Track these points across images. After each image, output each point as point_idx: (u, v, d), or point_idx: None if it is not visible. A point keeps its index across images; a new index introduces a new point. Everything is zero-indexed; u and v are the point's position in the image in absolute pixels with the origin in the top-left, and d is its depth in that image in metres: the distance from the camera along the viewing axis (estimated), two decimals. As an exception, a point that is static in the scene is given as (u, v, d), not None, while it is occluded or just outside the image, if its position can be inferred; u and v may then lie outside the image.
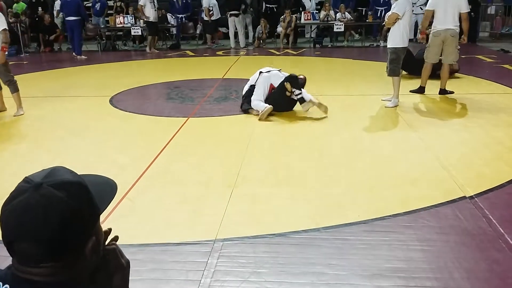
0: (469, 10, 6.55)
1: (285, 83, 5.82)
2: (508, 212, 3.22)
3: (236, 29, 13.64)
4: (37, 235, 0.89)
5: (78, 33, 12.19)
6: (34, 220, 0.89)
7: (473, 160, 4.25)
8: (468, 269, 2.54)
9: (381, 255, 2.70)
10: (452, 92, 6.75)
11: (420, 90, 6.90)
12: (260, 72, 6.20)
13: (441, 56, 6.68)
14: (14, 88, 6.06)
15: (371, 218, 3.14)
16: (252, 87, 6.15)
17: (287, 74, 6.11)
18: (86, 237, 0.96)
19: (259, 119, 5.71)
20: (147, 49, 13.07)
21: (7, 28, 5.92)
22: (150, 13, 12.63)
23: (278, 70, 6.24)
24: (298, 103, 5.88)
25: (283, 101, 5.95)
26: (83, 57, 12.04)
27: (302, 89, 5.87)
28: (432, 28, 6.63)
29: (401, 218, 3.14)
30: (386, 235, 2.92)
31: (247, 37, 14.59)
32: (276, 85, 6.03)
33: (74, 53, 12.23)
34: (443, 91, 6.78)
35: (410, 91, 6.93)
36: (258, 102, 5.95)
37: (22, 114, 6.10)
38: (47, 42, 13.79)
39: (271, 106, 5.78)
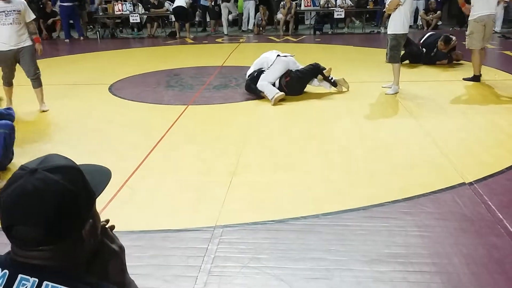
0: None
1: (328, 68, 6.15)
2: (507, 198, 3.23)
3: (229, 14, 13.62)
4: (35, 218, 0.91)
5: (77, 18, 13.25)
6: (31, 203, 0.90)
7: (473, 146, 4.25)
8: (467, 255, 2.56)
9: (380, 241, 2.72)
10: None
11: (475, 79, 6.69)
12: (278, 56, 6.17)
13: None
14: (40, 83, 5.76)
15: (370, 205, 3.15)
16: (261, 70, 6.13)
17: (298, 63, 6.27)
18: (84, 220, 0.98)
19: (273, 104, 5.77)
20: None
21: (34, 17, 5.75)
22: None
23: (292, 56, 6.36)
24: (304, 88, 6.24)
25: (298, 86, 6.11)
26: (67, 40, 13.08)
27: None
28: (472, 14, 6.51)
29: (400, 205, 3.15)
30: (386, 221, 2.93)
31: (248, 24, 14.50)
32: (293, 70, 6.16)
33: (67, 39, 13.12)
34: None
35: (463, 79, 6.79)
36: (268, 84, 5.95)
37: (48, 110, 5.76)
38: (47, 29, 13.73)
39: (283, 93, 5.85)
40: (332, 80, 6.20)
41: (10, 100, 5.80)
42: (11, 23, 5.40)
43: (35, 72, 5.68)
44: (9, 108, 4.39)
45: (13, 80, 5.76)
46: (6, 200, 0.92)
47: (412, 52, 7.96)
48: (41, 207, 0.91)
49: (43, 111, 5.75)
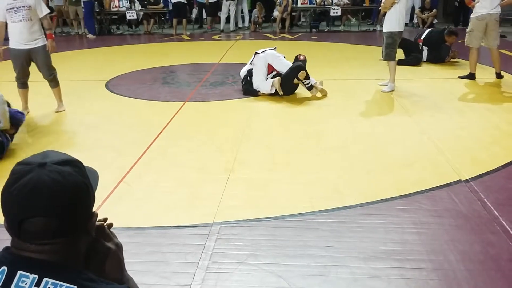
0: None
1: (301, 72, 5.86)
2: (503, 196, 3.26)
3: (229, 12, 13.59)
4: (54, 209, 0.91)
5: (91, 14, 13.34)
6: (51, 193, 0.90)
7: (469, 144, 4.27)
8: (463, 252, 2.58)
9: (377, 237, 2.73)
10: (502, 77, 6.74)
11: (471, 76, 6.72)
12: (256, 53, 6.19)
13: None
14: (57, 83, 5.59)
15: (367, 202, 3.17)
16: (251, 70, 6.16)
17: (282, 55, 6.16)
18: (91, 211, 0.99)
19: (275, 91, 5.84)
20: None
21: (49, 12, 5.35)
22: None
23: (273, 49, 6.26)
24: (295, 89, 6.06)
25: (286, 86, 5.99)
26: (93, 36, 13.12)
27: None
28: (475, 11, 6.49)
29: (396, 202, 3.17)
30: (382, 218, 2.94)
31: (243, 21, 14.48)
32: (274, 65, 6.09)
33: (89, 34, 13.20)
34: (499, 75, 6.71)
35: (459, 77, 6.84)
36: (260, 82, 5.99)
37: (64, 110, 5.57)
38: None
39: (278, 77, 5.88)
40: (307, 85, 5.93)
41: (26, 104, 5.49)
42: (21, 20, 5.06)
43: (51, 73, 5.47)
44: (21, 113, 4.38)
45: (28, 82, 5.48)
46: (21, 193, 0.90)
47: (417, 58, 7.94)
48: (61, 197, 0.91)
49: (58, 111, 5.53)
